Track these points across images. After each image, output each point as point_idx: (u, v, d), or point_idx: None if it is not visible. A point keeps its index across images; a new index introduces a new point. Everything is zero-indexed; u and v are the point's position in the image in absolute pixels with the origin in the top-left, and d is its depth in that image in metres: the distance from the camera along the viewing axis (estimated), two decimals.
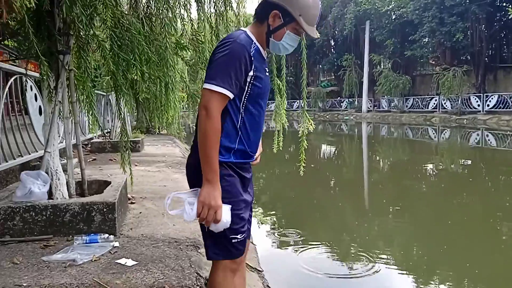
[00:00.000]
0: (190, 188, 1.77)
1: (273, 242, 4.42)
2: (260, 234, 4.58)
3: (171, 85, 3.29)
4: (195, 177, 1.73)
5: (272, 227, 5.01)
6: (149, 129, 12.92)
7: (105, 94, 10.00)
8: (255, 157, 1.90)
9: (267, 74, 1.87)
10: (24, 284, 2.21)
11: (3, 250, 2.71)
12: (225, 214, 1.67)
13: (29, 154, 4.79)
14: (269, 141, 3.90)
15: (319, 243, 4.57)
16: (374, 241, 4.94)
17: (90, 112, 3.77)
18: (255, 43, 1.76)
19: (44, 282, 2.24)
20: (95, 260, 2.55)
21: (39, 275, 2.32)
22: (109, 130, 9.53)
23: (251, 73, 1.71)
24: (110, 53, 2.90)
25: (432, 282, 3.75)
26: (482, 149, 14.65)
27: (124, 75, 2.98)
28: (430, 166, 10.85)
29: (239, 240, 1.76)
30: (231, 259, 1.78)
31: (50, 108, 3.27)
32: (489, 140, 17.07)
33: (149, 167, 6.11)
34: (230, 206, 1.71)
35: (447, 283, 3.81)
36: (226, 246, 1.75)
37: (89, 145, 8.49)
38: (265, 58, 1.85)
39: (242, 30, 1.80)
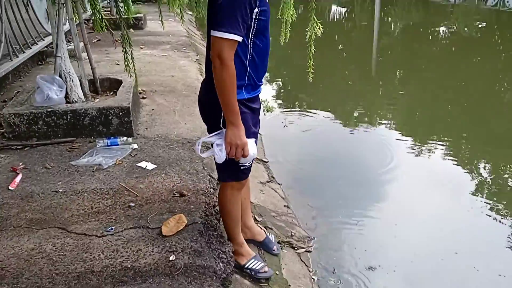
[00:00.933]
0: (206, 123, 1.95)
1: (277, 130, 4.68)
2: (265, 121, 4.81)
3: None
4: (212, 116, 1.89)
5: (276, 112, 5.22)
6: None
7: None
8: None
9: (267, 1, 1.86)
10: (60, 190, 2.53)
11: (33, 153, 3.00)
12: (251, 147, 1.87)
13: (37, 44, 4.82)
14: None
15: (323, 122, 4.89)
16: (378, 112, 5.32)
17: None
18: None
19: (77, 187, 2.56)
20: (118, 164, 2.85)
21: (72, 180, 2.64)
22: (108, 1, 9.15)
23: (256, 10, 1.72)
24: None
25: (429, 143, 4.23)
26: (498, 11, 14.05)
27: None
28: (442, 28, 10.62)
29: (247, 167, 2.00)
30: (239, 181, 2.05)
31: (55, 10, 3.22)
32: (507, 2, 16.15)
33: (155, 50, 6.11)
34: (254, 139, 1.91)
35: (445, 146, 4.30)
36: (235, 171, 1.99)
37: (91, 21, 8.27)
38: None
39: None
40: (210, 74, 1.78)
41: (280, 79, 6.81)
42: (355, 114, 5.31)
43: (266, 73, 2.08)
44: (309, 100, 5.80)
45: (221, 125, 1.87)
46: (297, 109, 5.38)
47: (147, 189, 2.56)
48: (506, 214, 3.24)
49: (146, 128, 3.42)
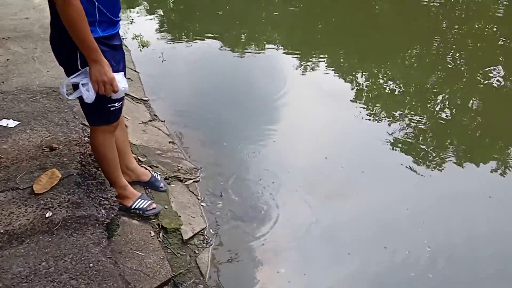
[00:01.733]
0: (62, 66, 1.85)
1: (156, 65, 4.50)
2: (141, 58, 4.59)
3: None
4: (66, 58, 1.78)
5: (153, 46, 4.96)
6: None
7: None
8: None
9: None
10: None
11: None
12: (121, 82, 1.81)
13: None
14: None
15: (207, 51, 4.85)
16: (262, 34, 5.43)
17: None
18: None
19: None
20: None
21: None
22: None
23: None
24: None
25: (312, 59, 4.64)
26: None
27: None
28: None
29: (117, 107, 1.94)
30: (110, 124, 1.99)
31: None
32: None
33: None
34: (123, 72, 1.85)
35: (326, 60, 4.69)
36: (104, 113, 1.93)
37: None
38: None
39: None
40: (55, 13, 1.64)
41: (158, 10, 6.43)
42: (241, 39, 5.34)
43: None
44: (191, 30, 5.62)
45: (79, 67, 1.77)
46: (177, 40, 5.19)
47: (11, 148, 2.38)
48: (379, 115, 3.65)
49: (2, 82, 3.08)
